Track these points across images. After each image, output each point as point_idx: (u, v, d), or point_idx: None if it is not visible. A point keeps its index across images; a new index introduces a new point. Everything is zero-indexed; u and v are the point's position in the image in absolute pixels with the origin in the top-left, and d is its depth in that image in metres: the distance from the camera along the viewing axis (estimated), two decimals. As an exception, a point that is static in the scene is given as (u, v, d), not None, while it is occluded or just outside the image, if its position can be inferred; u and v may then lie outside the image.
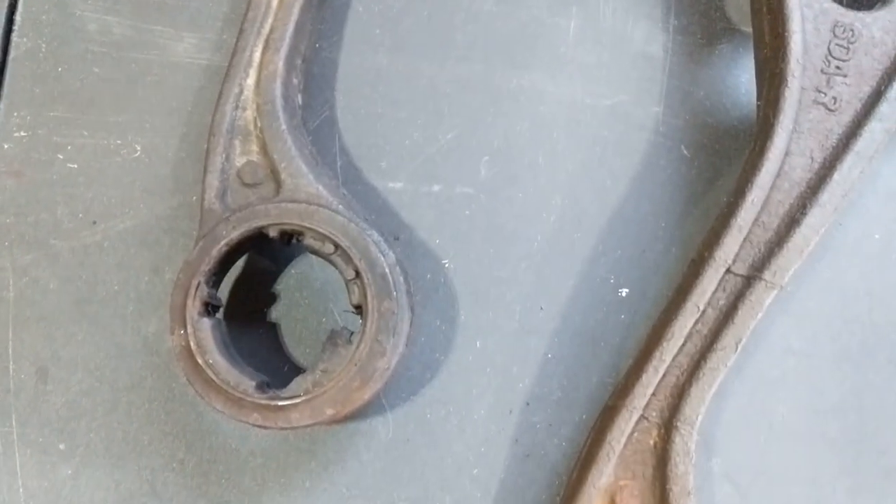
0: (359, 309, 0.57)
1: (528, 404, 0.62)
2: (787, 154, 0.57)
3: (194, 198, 0.64)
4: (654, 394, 0.55)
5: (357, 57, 0.66)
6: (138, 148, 0.65)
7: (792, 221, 0.56)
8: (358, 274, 0.56)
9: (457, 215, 0.65)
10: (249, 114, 0.59)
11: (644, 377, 0.55)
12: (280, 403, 0.54)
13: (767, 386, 0.63)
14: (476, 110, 0.66)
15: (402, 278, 0.56)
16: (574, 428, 0.62)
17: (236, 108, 0.60)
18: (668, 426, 0.55)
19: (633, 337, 0.63)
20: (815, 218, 0.56)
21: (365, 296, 0.56)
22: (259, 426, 0.55)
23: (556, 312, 0.63)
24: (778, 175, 0.57)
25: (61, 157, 0.65)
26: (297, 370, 0.62)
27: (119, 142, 0.65)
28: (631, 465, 0.55)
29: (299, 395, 0.55)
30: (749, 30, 0.65)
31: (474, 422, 0.62)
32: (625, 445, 0.55)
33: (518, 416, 0.62)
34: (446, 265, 0.64)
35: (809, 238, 0.55)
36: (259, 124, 0.59)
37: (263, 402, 0.54)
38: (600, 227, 0.65)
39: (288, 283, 0.63)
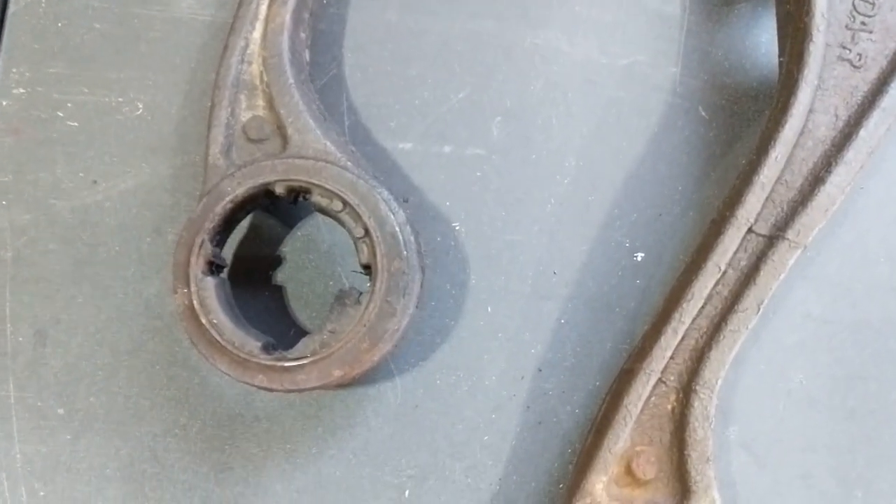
0: (368, 269, 0.55)
1: (540, 370, 0.60)
2: (811, 111, 0.55)
3: (197, 157, 0.62)
4: (672, 357, 0.53)
5: (366, 13, 0.64)
6: (140, 106, 0.63)
7: (816, 180, 0.54)
8: (367, 232, 0.54)
9: (468, 177, 0.63)
10: (255, 68, 0.58)
11: (662, 340, 0.53)
12: (286, 364, 0.53)
13: (785, 352, 0.61)
14: (488, 69, 0.64)
15: (412, 237, 0.55)
16: (587, 395, 0.60)
17: (242, 61, 0.58)
18: (686, 390, 0.53)
19: (648, 302, 0.61)
20: (839, 176, 0.54)
21: (374, 255, 0.54)
22: (264, 388, 0.53)
23: (570, 277, 0.62)
24: (801, 132, 0.55)
25: (61, 114, 0.63)
26: (303, 333, 0.60)
27: (121, 99, 0.63)
28: (648, 430, 0.53)
29: (306, 356, 0.53)
30: (769, -12, 0.63)
31: (485, 388, 0.60)
32: (642, 410, 0.53)
33: (530, 382, 0.60)
34: (457, 228, 0.62)
35: (834, 197, 0.54)
36: (265, 78, 0.57)
37: (269, 363, 0.53)
38: (615, 190, 0.63)
39: (294, 245, 0.62)
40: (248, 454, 0.59)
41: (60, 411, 0.59)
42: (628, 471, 0.53)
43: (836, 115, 0.55)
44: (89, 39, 0.64)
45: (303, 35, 0.60)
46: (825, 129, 0.55)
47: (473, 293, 0.61)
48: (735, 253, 0.54)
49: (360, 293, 0.55)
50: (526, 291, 0.61)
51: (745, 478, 0.59)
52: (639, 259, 0.62)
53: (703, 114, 0.64)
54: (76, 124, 0.63)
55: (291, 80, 0.57)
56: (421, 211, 0.62)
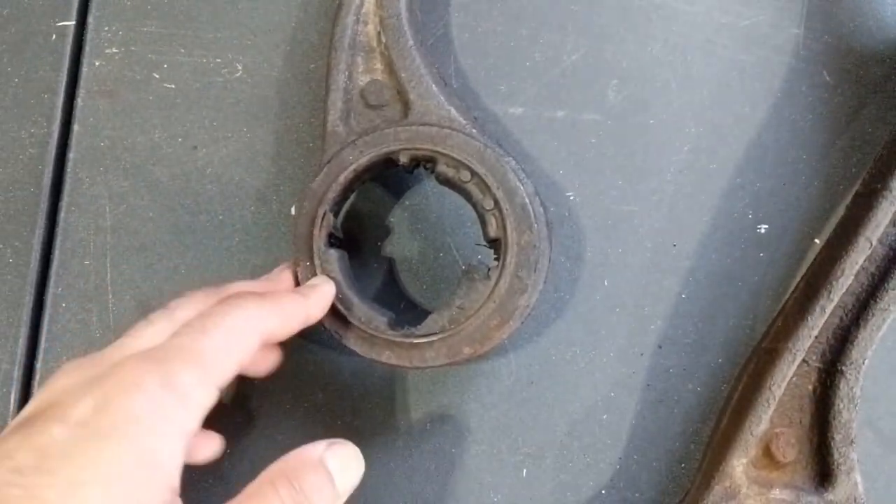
0: (493, 242, 0.53)
1: (660, 347, 0.58)
2: (962, 77, 0.52)
3: (301, 122, 0.60)
4: (816, 336, 0.51)
5: (475, -30, 0.61)
6: (240, 67, 0.60)
7: (970, 151, 0.51)
8: (496, 204, 0.52)
9: (582, 144, 0.60)
10: (372, 28, 0.54)
11: (809, 318, 0.51)
12: (414, 341, 0.51)
13: (914, 329, 0.59)
14: (603, 29, 0.61)
15: (542, 209, 0.52)
16: (709, 372, 0.58)
17: (357, 21, 0.54)
18: (830, 370, 0.51)
19: (772, 276, 0.59)
20: None
21: (504, 227, 0.51)
22: (392, 365, 0.51)
23: (691, 250, 0.59)
24: (952, 100, 0.52)
25: (157, 76, 0.60)
26: (414, 307, 0.58)
27: (219, 60, 0.60)
28: (788, 411, 0.51)
29: (435, 333, 0.51)
30: (901, -57, 0.59)
31: (603, 364, 0.58)
32: (784, 391, 0.51)
33: (650, 359, 0.58)
34: (571, 198, 0.60)
35: None
36: (383, 39, 0.54)
37: (397, 339, 0.51)
38: (738, 158, 0.60)
39: (402, 215, 0.59)
40: (361, 430, 0.57)
41: (166, 386, 0.57)
42: (767, 452, 0.51)
43: None
44: (184, -4, 0.61)
45: (417, -7, 0.57)
46: (977, 96, 0.52)
47: (589, 266, 0.59)
48: (886, 227, 0.51)
49: (489, 268, 0.53)
50: (644, 264, 0.59)
51: (871, 459, 0.57)
52: (762, 231, 0.59)
53: (828, 78, 0.61)
54: (173, 86, 0.60)
55: (411, 42, 0.54)
56: (533, 179, 0.58)
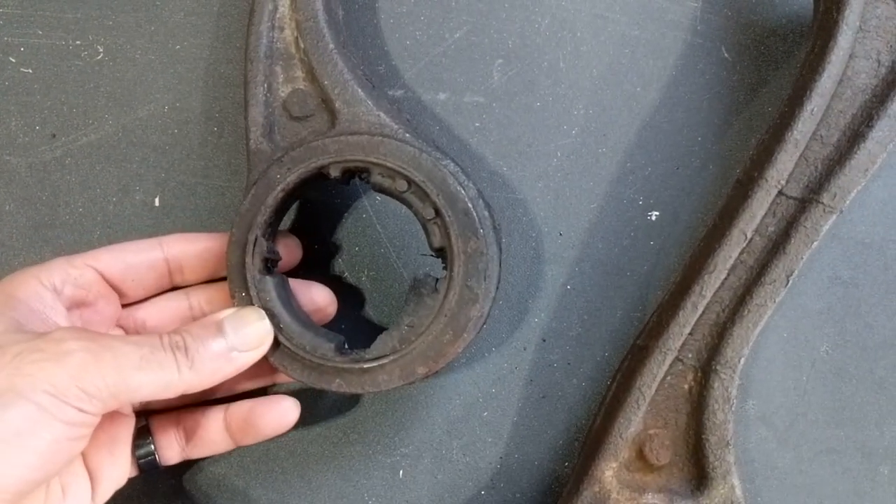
0: (440, 252, 0.50)
1: (544, 341, 0.56)
2: (851, 56, 0.49)
3: (166, 107, 0.56)
4: (691, 333, 0.48)
5: (350, -58, 0.58)
6: (101, 49, 0.57)
7: (855, 135, 0.48)
8: (437, 212, 0.48)
9: (466, 127, 0.57)
10: (289, 34, 0.50)
11: (681, 315, 0.48)
12: (365, 366, 0.48)
13: (810, 319, 0.56)
14: (488, 4, 0.57)
15: (486, 212, 0.49)
16: (595, 367, 0.55)
17: (272, 28, 0.50)
18: (705, 369, 0.48)
19: (662, 266, 0.56)
20: (881, 131, 0.48)
21: (448, 236, 0.48)
22: (343, 392, 0.48)
23: (577, 238, 0.56)
24: (840, 81, 0.49)
25: (13, 60, 0.57)
26: (372, 327, 0.55)
27: (79, 42, 0.57)
28: (662, 411, 0.49)
29: (386, 355, 0.48)
30: (804, -90, 0.56)
31: (485, 360, 0.56)
32: (656, 390, 0.48)
33: (533, 353, 0.56)
34: (453, 184, 0.57)
35: (875, 154, 0.48)
36: (302, 45, 0.50)
37: (346, 365, 0.48)
38: (628, 141, 0.57)
39: (348, 228, 0.56)
40: (230, 433, 0.55)
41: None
42: (640, 455, 0.49)
43: (879, 61, 0.49)
44: (42, -26, 0.57)
45: (335, -11, 0.53)
46: (866, 76, 0.49)
47: (472, 256, 0.56)
48: (763, 218, 0.48)
49: (437, 280, 0.49)
50: (529, 255, 0.56)
51: (764, 454, 0.55)
52: (653, 218, 0.56)
53: (726, 55, 0.58)
54: (30, 71, 0.57)
55: (332, 46, 0.49)
56: (414, 165, 0.56)
